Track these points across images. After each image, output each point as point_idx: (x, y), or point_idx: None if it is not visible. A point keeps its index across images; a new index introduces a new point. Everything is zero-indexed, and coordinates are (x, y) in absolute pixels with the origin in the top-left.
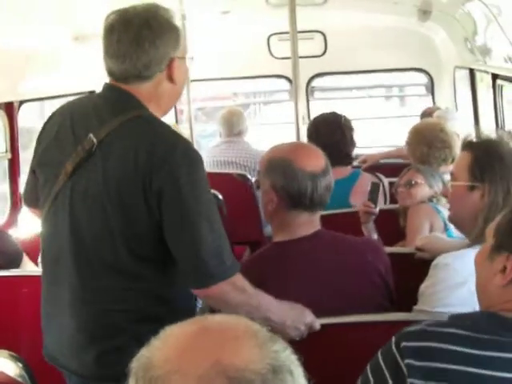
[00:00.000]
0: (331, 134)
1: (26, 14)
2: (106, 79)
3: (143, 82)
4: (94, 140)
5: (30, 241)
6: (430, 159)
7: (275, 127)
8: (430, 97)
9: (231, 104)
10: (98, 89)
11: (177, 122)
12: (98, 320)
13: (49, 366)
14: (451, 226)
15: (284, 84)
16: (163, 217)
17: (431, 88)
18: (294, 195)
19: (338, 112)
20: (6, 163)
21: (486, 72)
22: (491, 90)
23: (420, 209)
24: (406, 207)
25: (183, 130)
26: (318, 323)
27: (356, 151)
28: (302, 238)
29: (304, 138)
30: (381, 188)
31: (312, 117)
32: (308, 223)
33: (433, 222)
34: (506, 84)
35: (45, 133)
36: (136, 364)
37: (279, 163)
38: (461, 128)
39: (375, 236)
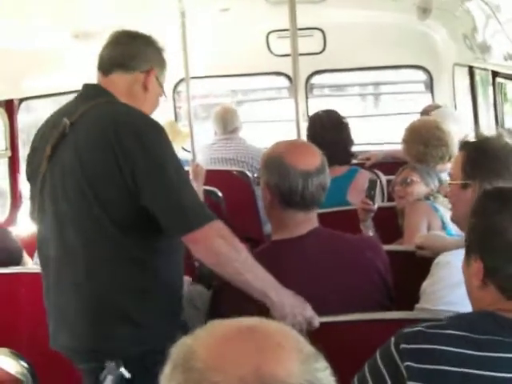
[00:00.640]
0: (332, 133)
1: (26, 11)
2: None
3: (123, 73)
4: (67, 122)
5: (30, 238)
6: (426, 157)
7: (274, 124)
8: (429, 94)
9: (229, 101)
10: None
11: (176, 119)
12: (88, 293)
13: (50, 363)
14: (449, 225)
15: (283, 81)
16: (136, 177)
17: (430, 85)
18: (284, 193)
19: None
20: (5, 161)
21: (486, 69)
22: (491, 88)
23: (417, 207)
24: (404, 206)
25: (182, 128)
26: (317, 320)
27: (356, 148)
28: (298, 236)
29: (303, 136)
30: (378, 185)
31: (311, 114)
32: (304, 222)
33: (430, 220)
34: (505, 82)
35: (33, 140)
36: (177, 350)
37: (273, 161)
38: (459, 127)
39: (373, 233)
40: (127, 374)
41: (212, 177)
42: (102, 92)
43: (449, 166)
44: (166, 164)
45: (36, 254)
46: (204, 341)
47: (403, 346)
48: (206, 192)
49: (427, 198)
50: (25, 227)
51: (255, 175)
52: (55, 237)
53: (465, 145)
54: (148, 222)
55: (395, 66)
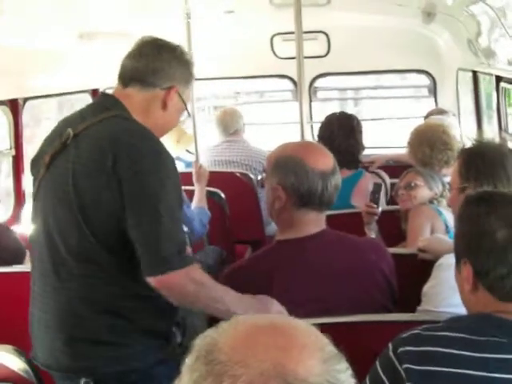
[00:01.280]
0: (346, 138)
1: (30, 12)
2: (110, 77)
3: (142, 88)
4: (71, 133)
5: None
6: (432, 161)
7: (277, 127)
8: (433, 99)
9: (233, 103)
10: (102, 87)
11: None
12: (67, 308)
13: None
14: (453, 228)
15: (287, 84)
16: (124, 203)
17: (434, 90)
18: (303, 194)
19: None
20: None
21: (490, 74)
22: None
23: (421, 210)
24: (408, 210)
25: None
26: (285, 313)
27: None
28: (308, 236)
29: (308, 138)
30: (383, 188)
31: (314, 117)
32: (315, 222)
33: (434, 224)
34: (509, 87)
35: (42, 143)
36: (200, 342)
37: (289, 161)
38: (458, 133)
39: (376, 236)
40: None
41: (215, 178)
42: (116, 105)
43: None
44: (159, 195)
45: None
46: (228, 334)
47: (401, 349)
48: (209, 193)
49: (431, 201)
50: (28, 226)
51: (259, 177)
52: (41, 245)
53: (461, 152)
54: (127, 249)
55: (399, 70)
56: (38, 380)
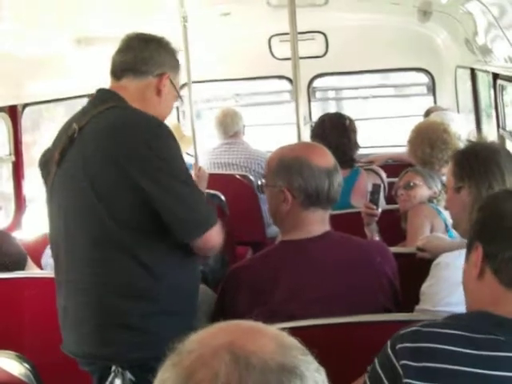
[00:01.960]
0: (337, 137)
1: (28, 17)
2: (109, 82)
3: (135, 77)
4: (76, 127)
5: (34, 243)
6: (432, 160)
7: (277, 128)
8: (432, 97)
9: (232, 105)
10: None
11: (179, 121)
12: (93, 295)
13: (53, 366)
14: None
15: (285, 85)
16: (144, 183)
17: (432, 88)
18: (311, 193)
19: (343, 113)
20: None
21: (487, 72)
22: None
23: (420, 209)
24: (407, 209)
25: (186, 132)
26: None
27: (359, 151)
28: (312, 237)
29: (305, 139)
30: (382, 189)
31: (313, 117)
32: (320, 221)
33: (434, 223)
34: (506, 84)
35: (51, 144)
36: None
37: (293, 162)
38: (459, 130)
39: (377, 237)
40: (132, 378)
41: (215, 180)
42: (113, 96)
43: None
44: (175, 169)
45: (44, 255)
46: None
47: (399, 345)
48: (209, 196)
49: (430, 201)
50: (29, 232)
51: (259, 183)
52: (63, 240)
53: (454, 153)
54: (155, 226)
55: (397, 69)
56: None
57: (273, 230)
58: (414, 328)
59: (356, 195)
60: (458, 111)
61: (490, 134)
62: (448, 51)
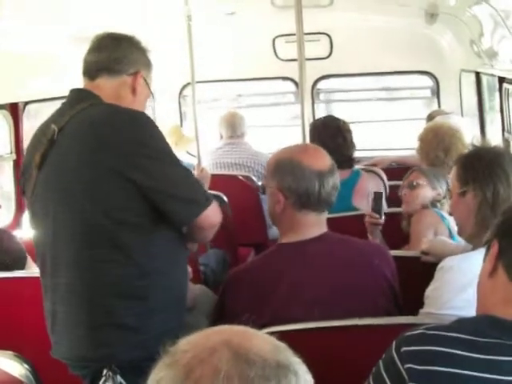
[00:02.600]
0: (332, 138)
1: (29, 15)
2: None
3: (110, 77)
4: (56, 128)
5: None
6: (443, 165)
7: (281, 129)
8: (436, 100)
9: (236, 105)
10: None
11: (181, 124)
12: (84, 297)
13: (52, 366)
14: (456, 233)
15: (290, 86)
16: (134, 174)
17: (437, 91)
18: (301, 194)
19: (337, 115)
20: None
21: (493, 75)
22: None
23: (424, 215)
24: (411, 210)
25: (187, 132)
26: None
27: (362, 154)
28: (310, 239)
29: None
30: (382, 184)
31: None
32: (316, 224)
33: (437, 229)
34: None
35: (27, 149)
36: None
37: (285, 164)
38: (468, 134)
39: (382, 242)
40: (123, 382)
41: (217, 181)
42: (89, 95)
43: None
44: (162, 154)
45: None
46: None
47: (404, 348)
48: (212, 197)
49: (434, 205)
50: (29, 230)
51: (260, 183)
52: (50, 244)
53: (457, 158)
54: (147, 223)
55: (402, 72)
56: None
57: (274, 231)
58: (418, 331)
59: (358, 197)
60: (462, 115)
61: (495, 137)
62: (453, 54)
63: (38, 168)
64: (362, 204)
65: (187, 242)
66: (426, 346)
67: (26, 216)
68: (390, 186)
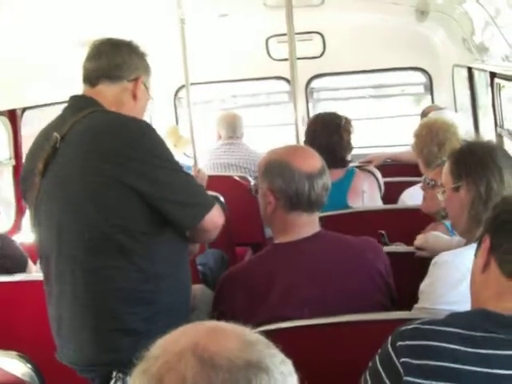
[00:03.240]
0: (328, 135)
1: (27, 21)
2: None
3: (111, 83)
4: (58, 136)
5: (34, 246)
6: (436, 160)
7: (276, 129)
8: (429, 96)
9: (232, 106)
10: None
11: (177, 123)
12: (90, 303)
13: (56, 368)
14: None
15: (284, 86)
16: (138, 182)
17: (430, 87)
18: (292, 196)
19: (340, 113)
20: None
21: (484, 71)
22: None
23: (436, 228)
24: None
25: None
26: None
27: (357, 151)
28: (303, 239)
29: (302, 139)
30: (376, 183)
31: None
32: (308, 224)
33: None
34: (503, 83)
35: (26, 156)
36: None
37: (276, 165)
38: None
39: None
40: None
41: (214, 182)
42: (90, 102)
43: None
44: (165, 162)
45: (39, 262)
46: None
47: (399, 343)
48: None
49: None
50: (29, 235)
51: (252, 184)
52: (55, 250)
53: (450, 154)
54: (151, 228)
55: (395, 69)
56: None
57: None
58: (413, 325)
59: (352, 195)
60: (456, 110)
61: (488, 132)
62: (445, 50)
63: (41, 175)
64: (356, 202)
65: (189, 244)
66: (420, 340)
67: (26, 221)
68: (386, 183)
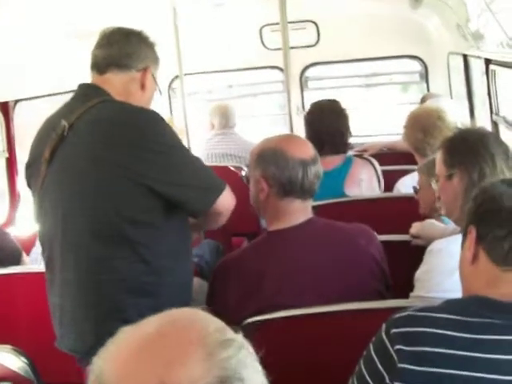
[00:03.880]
0: (336, 120)
1: (19, 13)
2: None
3: (120, 71)
4: (66, 124)
5: (28, 238)
6: (423, 145)
7: (270, 118)
8: (425, 84)
9: (227, 96)
10: None
11: (171, 113)
12: (93, 292)
13: (50, 360)
14: None
15: (279, 75)
16: (149, 171)
17: (425, 75)
18: (285, 183)
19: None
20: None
21: (479, 58)
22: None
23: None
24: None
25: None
26: None
27: (353, 140)
28: (296, 225)
29: (297, 129)
30: (374, 172)
31: (306, 107)
32: (300, 211)
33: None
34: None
35: (32, 143)
36: (92, 371)
37: (269, 153)
38: (455, 117)
39: None
40: None
41: None
42: (99, 91)
43: None
44: (174, 149)
45: (32, 252)
46: (111, 358)
47: (393, 330)
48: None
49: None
50: (23, 228)
51: (243, 173)
52: (60, 239)
53: (442, 142)
54: (156, 219)
55: (389, 57)
56: (37, 378)
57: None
58: (407, 313)
59: (349, 183)
60: (452, 97)
61: (484, 119)
62: (440, 38)
63: (47, 163)
64: (354, 191)
65: (194, 232)
66: (414, 327)
67: (20, 214)
68: (381, 172)
